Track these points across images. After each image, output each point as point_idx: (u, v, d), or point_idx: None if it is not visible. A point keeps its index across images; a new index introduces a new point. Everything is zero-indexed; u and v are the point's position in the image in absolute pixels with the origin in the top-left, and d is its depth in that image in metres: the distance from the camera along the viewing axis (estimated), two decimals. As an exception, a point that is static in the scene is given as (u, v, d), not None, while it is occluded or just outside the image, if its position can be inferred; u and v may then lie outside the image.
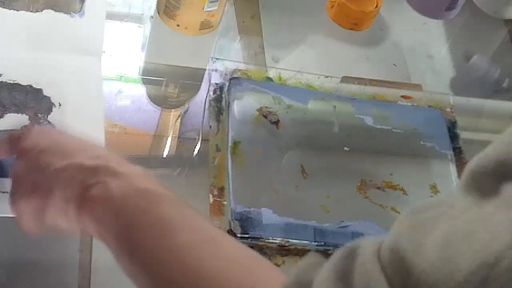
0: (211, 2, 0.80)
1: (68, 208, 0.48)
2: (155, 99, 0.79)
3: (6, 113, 0.70)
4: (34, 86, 0.73)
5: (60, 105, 0.72)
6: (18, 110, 0.71)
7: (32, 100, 0.72)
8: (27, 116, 0.70)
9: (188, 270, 0.43)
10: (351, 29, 0.94)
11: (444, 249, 0.32)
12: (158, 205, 0.46)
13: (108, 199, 0.47)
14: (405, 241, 0.35)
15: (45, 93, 0.72)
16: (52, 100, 0.72)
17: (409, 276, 0.33)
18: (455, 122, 0.85)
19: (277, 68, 0.85)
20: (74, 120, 0.71)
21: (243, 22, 0.91)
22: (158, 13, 0.85)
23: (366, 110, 0.83)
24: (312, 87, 0.84)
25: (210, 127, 0.76)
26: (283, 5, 0.94)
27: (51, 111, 0.71)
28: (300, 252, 0.69)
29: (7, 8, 0.77)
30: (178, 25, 0.83)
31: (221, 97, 0.79)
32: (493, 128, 0.92)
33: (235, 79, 0.81)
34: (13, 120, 0.70)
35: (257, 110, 0.78)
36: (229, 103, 0.78)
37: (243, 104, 0.78)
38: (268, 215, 0.69)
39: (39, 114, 0.71)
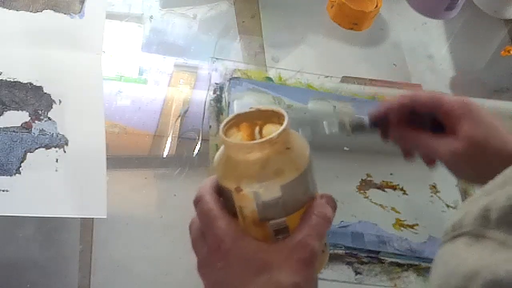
0: None
1: None
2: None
3: (6, 111, 0.70)
4: (34, 84, 0.73)
5: (60, 101, 0.72)
6: (18, 107, 0.71)
7: (32, 97, 0.72)
8: (27, 113, 0.71)
9: None
10: (351, 29, 0.94)
11: None
12: None
13: None
14: None
15: (46, 90, 0.73)
16: (52, 97, 0.72)
17: None
18: (455, 122, 0.85)
19: (277, 68, 0.85)
20: (75, 116, 0.72)
21: (243, 22, 0.91)
22: None
23: (366, 110, 0.83)
24: (312, 87, 0.84)
25: (210, 127, 0.76)
26: (283, 5, 0.94)
27: (51, 107, 0.72)
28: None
29: (7, 8, 0.77)
30: None
31: (221, 97, 0.79)
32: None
33: (235, 79, 0.81)
34: (13, 117, 0.70)
35: (257, 110, 0.78)
36: (229, 103, 0.78)
37: (243, 104, 0.78)
38: (268, 215, 0.69)
39: (39, 111, 0.71)
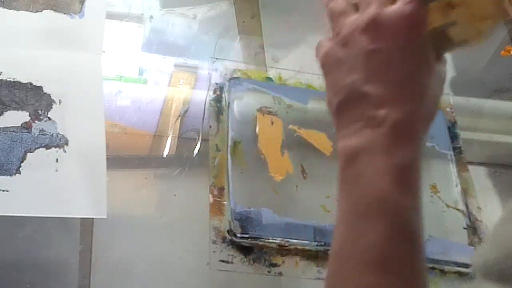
0: None
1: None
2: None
3: (6, 111, 0.70)
4: (34, 84, 0.73)
5: (60, 101, 0.72)
6: (18, 107, 0.71)
7: (32, 97, 0.72)
8: (27, 113, 0.71)
9: None
10: (351, 29, 0.93)
11: None
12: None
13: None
14: None
15: (46, 90, 0.73)
16: (52, 97, 0.72)
17: None
18: (455, 122, 0.85)
19: (277, 68, 0.85)
20: (75, 116, 0.72)
21: (243, 22, 0.91)
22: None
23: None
24: (312, 87, 0.84)
25: (210, 127, 0.76)
26: (283, 5, 0.94)
27: (51, 107, 0.72)
28: (300, 252, 0.69)
29: (7, 8, 0.77)
30: None
31: (221, 97, 0.79)
32: (493, 128, 0.91)
33: (235, 79, 0.81)
34: (13, 117, 0.70)
35: (257, 110, 0.78)
36: (229, 103, 0.78)
37: (243, 104, 0.78)
38: (268, 215, 0.69)
39: (39, 111, 0.71)
